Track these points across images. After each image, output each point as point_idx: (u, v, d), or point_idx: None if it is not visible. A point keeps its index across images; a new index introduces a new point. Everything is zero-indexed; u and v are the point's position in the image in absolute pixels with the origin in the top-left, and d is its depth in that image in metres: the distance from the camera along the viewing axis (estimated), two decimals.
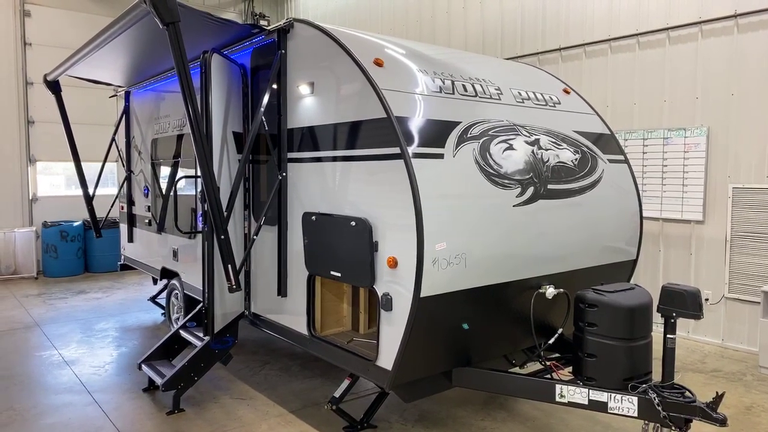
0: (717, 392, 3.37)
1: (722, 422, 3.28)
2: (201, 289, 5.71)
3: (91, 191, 7.75)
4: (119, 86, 7.98)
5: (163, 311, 7.95)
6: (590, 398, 3.65)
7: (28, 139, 11.10)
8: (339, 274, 4.04)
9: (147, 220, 7.30)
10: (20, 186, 11.04)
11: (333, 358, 4.27)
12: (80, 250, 11.07)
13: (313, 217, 4.26)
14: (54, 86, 7.37)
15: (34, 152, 11.18)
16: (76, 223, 11.06)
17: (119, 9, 12.81)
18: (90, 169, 7.91)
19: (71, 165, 11.36)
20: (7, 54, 10.80)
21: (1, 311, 8.29)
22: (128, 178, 7.92)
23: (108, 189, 10.28)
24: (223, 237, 4.22)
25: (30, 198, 11.16)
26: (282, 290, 4.66)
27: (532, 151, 4.28)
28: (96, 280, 10.63)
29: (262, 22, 13.91)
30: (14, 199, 10.97)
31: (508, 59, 8.61)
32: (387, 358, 3.69)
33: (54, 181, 11.72)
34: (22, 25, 10.95)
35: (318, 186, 4.34)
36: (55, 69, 6.91)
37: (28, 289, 9.80)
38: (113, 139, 8.03)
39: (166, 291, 7.10)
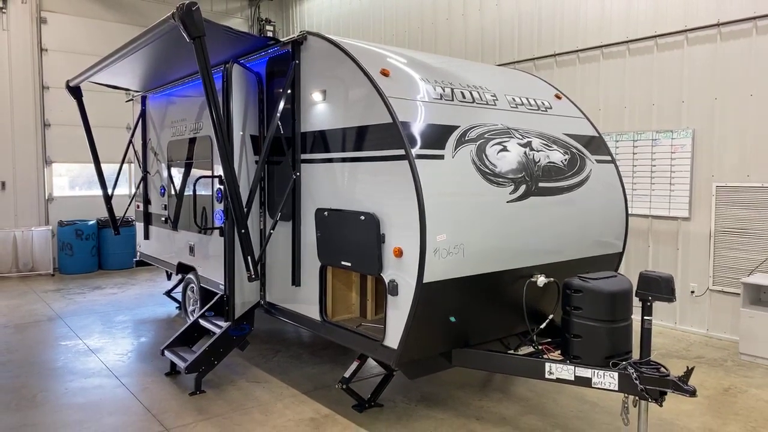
0: (687, 367, 3.78)
1: (692, 393, 3.67)
2: (217, 281, 6.13)
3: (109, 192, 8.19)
4: (136, 91, 8.39)
5: (178, 305, 8.38)
6: (576, 374, 4.05)
7: (45, 141, 11.54)
8: (349, 264, 4.46)
9: (163, 218, 7.70)
10: (37, 186, 11.48)
11: (344, 341, 4.70)
12: (94, 248, 11.51)
13: (326, 213, 4.68)
14: (76, 92, 7.79)
15: (50, 154, 11.63)
16: (90, 222, 11.50)
17: (131, 16, 13.18)
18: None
19: (75, 166, 11.94)
20: (24, 60, 11.25)
21: (23, 305, 8.72)
22: (144, 179, 8.33)
23: (118, 189, 10.64)
24: (243, 231, 4.64)
25: (46, 198, 11.60)
26: (296, 280, 5.08)
27: (525, 153, 4.70)
28: (110, 276, 11.06)
29: (268, 27, 14.35)
30: (31, 199, 11.42)
31: (505, 64, 9.05)
32: (393, 338, 4.11)
33: (58, 183, 12.07)
34: (38, 32, 11.39)
35: (329, 184, 4.76)
36: (78, 76, 7.32)
37: (46, 285, 10.23)
38: (131, 141, 8.44)
39: (182, 285, 7.51)
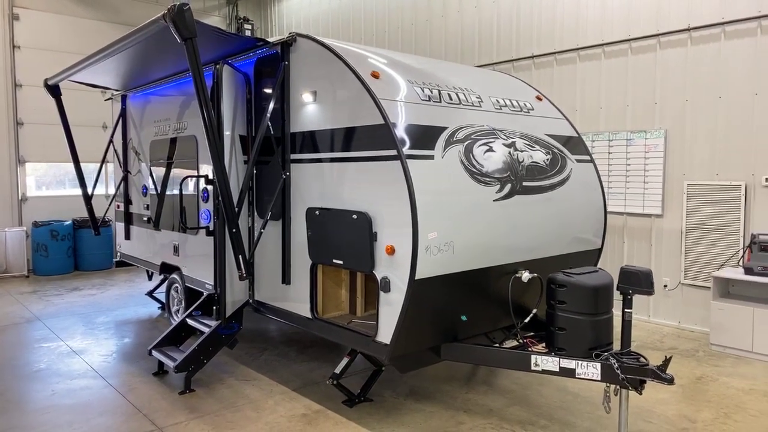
0: (666, 356, 3.98)
1: (670, 381, 3.87)
2: (203, 281, 6.15)
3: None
4: (116, 90, 8.30)
5: (160, 305, 8.33)
6: (561, 366, 4.21)
7: (17, 140, 11.30)
8: (341, 262, 4.55)
9: (145, 218, 7.66)
10: (9, 186, 11.23)
11: (336, 337, 4.78)
12: (70, 249, 11.31)
13: (317, 212, 4.76)
14: (54, 90, 7.67)
15: (23, 153, 11.39)
16: (66, 223, 11.30)
17: (105, 13, 12.95)
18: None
19: (42, 165, 11.71)
20: None
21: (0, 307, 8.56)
22: (125, 179, 8.25)
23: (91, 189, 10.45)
24: (234, 230, 4.69)
25: (20, 198, 11.36)
26: (286, 278, 5.15)
27: (509, 153, 4.85)
28: (87, 278, 10.89)
29: (246, 26, 14.28)
30: (4, 200, 11.16)
31: (484, 65, 9.23)
32: (385, 334, 4.22)
33: (31, 183, 11.78)
34: (11, 29, 11.14)
35: (319, 184, 4.84)
36: (58, 74, 7.22)
37: (21, 287, 10.04)
38: (111, 141, 8.35)
39: (166, 285, 7.48)
